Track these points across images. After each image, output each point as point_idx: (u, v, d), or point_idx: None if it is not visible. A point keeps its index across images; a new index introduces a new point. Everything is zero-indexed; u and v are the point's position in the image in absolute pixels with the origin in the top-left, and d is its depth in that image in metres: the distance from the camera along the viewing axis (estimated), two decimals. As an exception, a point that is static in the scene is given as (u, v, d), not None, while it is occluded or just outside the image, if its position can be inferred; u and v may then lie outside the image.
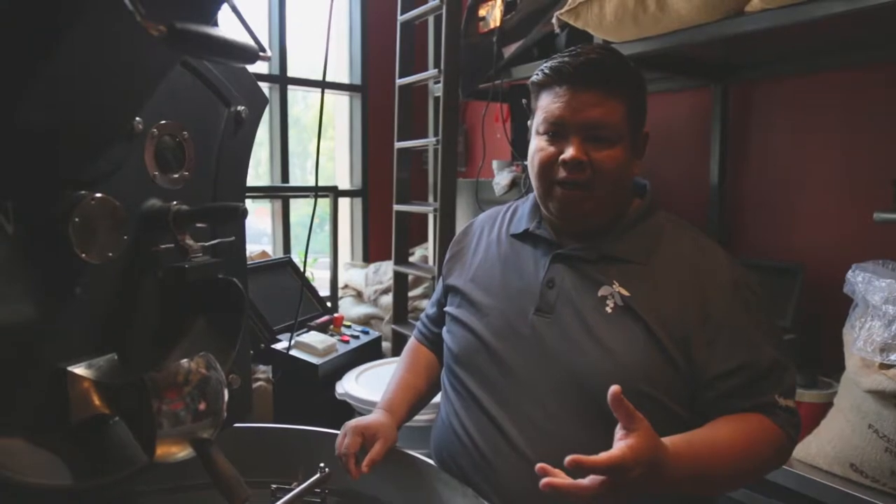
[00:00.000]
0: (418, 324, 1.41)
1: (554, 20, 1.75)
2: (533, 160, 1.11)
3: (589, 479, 0.82)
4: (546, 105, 1.09)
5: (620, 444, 0.84)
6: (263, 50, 0.70)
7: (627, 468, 0.82)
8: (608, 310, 1.05)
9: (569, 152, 1.05)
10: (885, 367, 1.30)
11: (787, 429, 1.02)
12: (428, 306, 1.40)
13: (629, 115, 1.08)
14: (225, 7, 0.72)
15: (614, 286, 1.06)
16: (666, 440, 0.90)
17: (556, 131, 1.08)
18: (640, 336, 1.03)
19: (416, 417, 1.30)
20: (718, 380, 1.01)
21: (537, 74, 1.12)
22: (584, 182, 1.06)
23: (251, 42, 0.70)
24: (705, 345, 1.02)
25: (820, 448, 1.41)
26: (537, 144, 1.11)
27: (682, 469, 0.90)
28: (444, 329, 1.25)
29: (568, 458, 0.81)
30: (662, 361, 1.02)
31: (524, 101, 1.19)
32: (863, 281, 1.37)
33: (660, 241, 1.11)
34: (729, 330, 1.02)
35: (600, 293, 1.07)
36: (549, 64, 1.10)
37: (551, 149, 1.08)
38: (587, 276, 1.09)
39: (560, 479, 0.83)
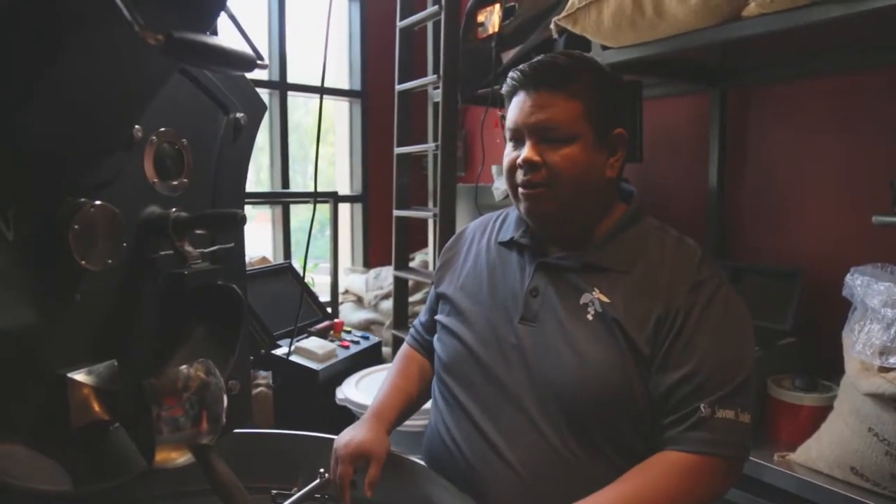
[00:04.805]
0: (411, 330, 1.41)
1: (552, 25, 1.75)
2: (503, 167, 1.13)
3: None
4: (509, 113, 1.12)
5: None
6: (261, 58, 0.71)
7: None
8: (589, 317, 1.05)
9: (522, 155, 1.07)
10: (884, 370, 1.30)
11: (705, 451, 0.96)
12: (421, 313, 1.40)
13: (588, 113, 1.05)
14: (224, 15, 0.73)
15: (594, 293, 1.06)
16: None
17: (516, 137, 1.10)
18: (617, 343, 1.02)
19: (411, 423, 1.30)
20: (662, 397, 0.99)
21: (505, 84, 1.14)
22: (540, 182, 1.06)
23: (249, 50, 0.70)
24: (661, 353, 1.00)
25: (820, 452, 1.41)
26: (505, 151, 1.13)
27: None
28: (436, 337, 1.25)
29: None
30: (639, 369, 1.01)
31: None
32: (861, 284, 1.37)
33: (644, 248, 1.09)
34: (679, 336, 1.00)
35: (582, 301, 1.06)
36: (511, 72, 1.12)
37: (513, 154, 1.10)
38: (570, 284, 1.09)
39: None
